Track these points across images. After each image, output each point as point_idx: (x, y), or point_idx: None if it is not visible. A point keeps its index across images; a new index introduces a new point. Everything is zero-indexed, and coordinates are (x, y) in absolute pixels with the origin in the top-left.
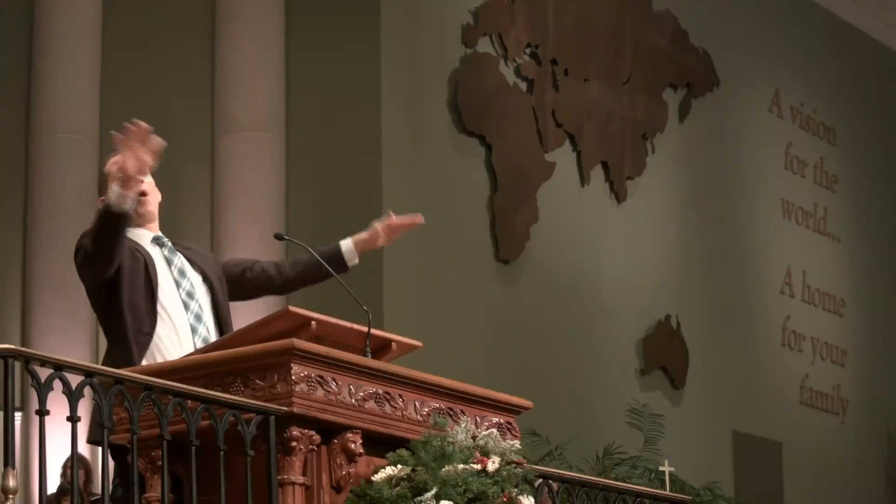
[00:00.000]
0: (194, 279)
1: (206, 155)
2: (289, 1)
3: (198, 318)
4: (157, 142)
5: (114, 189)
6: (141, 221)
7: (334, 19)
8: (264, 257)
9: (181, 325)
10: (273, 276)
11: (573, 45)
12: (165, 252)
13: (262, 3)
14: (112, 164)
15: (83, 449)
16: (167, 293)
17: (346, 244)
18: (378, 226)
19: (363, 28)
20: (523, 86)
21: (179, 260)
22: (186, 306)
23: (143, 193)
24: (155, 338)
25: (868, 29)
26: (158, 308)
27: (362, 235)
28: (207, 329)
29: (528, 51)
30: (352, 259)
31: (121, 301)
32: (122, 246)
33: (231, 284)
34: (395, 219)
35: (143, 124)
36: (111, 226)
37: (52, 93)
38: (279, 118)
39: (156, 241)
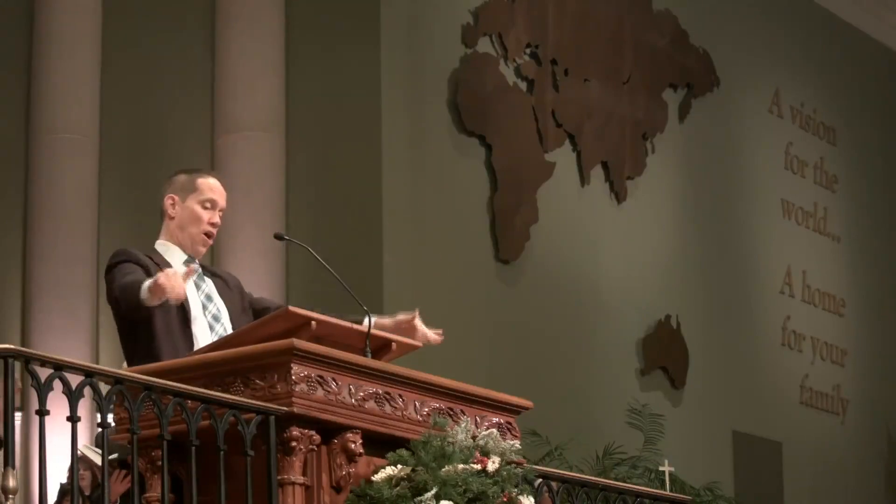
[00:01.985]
0: (220, 304)
1: (206, 155)
2: (289, 1)
3: None
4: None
5: (149, 289)
6: (183, 247)
7: (334, 19)
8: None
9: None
10: None
11: (573, 45)
12: (195, 276)
13: (262, 3)
14: (193, 183)
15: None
16: (196, 316)
17: (372, 322)
18: (402, 317)
19: (363, 28)
20: (523, 86)
21: (207, 285)
22: (212, 328)
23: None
24: None
25: (868, 29)
26: (192, 330)
27: (385, 321)
28: None
29: (528, 51)
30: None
31: (152, 325)
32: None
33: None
34: (418, 322)
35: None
36: (133, 305)
37: (52, 93)
38: (279, 118)
39: (187, 263)
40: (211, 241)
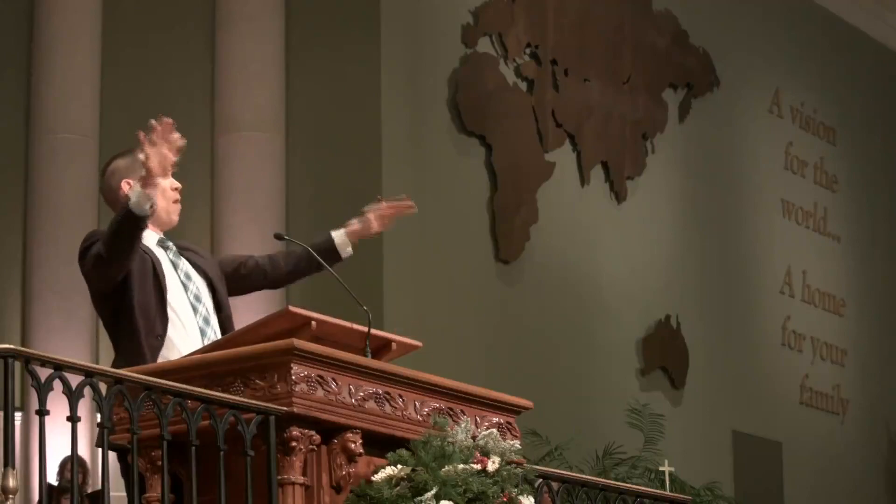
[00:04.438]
0: (199, 283)
1: (206, 155)
2: (289, 1)
3: (206, 321)
4: (179, 139)
5: (136, 190)
6: (159, 224)
7: (334, 19)
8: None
9: (191, 328)
10: (267, 270)
11: (573, 45)
12: (171, 255)
13: (262, 3)
14: (137, 162)
15: (82, 449)
16: (176, 296)
17: (339, 235)
18: (369, 214)
19: (363, 28)
20: (523, 86)
21: (184, 263)
22: (195, 309)
23: (176, 200)
24: (167, 340)
25: (868, 29)
26: (169, 311)
27: (354, 224)
28: (215, 332)
29: (528, 51)
30: (345, 249)
31: (131, 303)
32: (136, 249)
33: (227, 281)
34: (385, 205)
35: (168, 121)
36: (131, 228)
37: (52, 93)
38: (279, 118)
39: (161, 243)
40: (179, 207)
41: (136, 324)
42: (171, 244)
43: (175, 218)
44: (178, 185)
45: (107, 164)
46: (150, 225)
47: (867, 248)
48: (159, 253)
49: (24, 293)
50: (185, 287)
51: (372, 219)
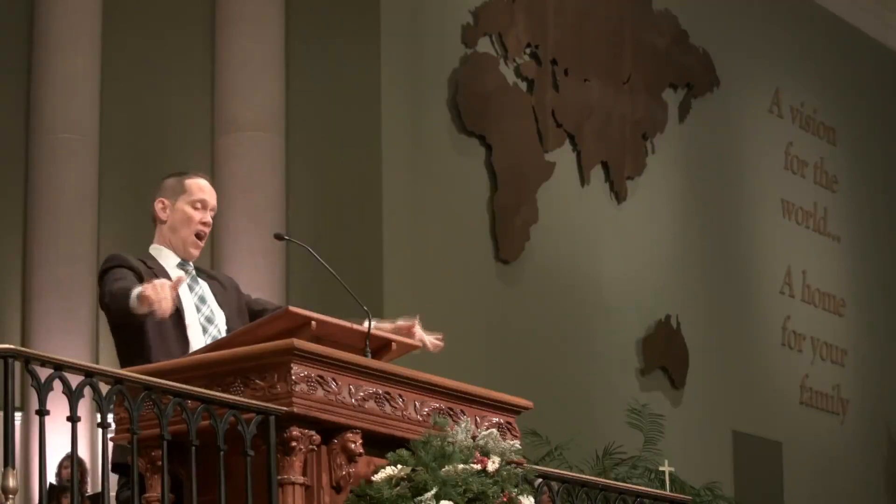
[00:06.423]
0: (214, 306)
1: (206, 155)
2: (289, 1)
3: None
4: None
5: (138, 297)
6: (178, 253)
7: (334, 19)
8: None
9: (199, 347)
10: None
11: (573, 45)
12: (188, 279)
13: (262, 3)
14: (180, 184)
15: (82, 449)
16: (189, 317)
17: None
18: (402, 323)
19: (363, 28)
20: (523, 86)
21: (201, 287)
22: (205, 330)
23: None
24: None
25: (868, 29)
26: (187, 333)
27: (385, 325)
28: None
29: (528, 51)
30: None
31: (145, 330)
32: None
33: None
34: (418, 329)
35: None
36: (120, 311)
37: (52, 93)
38: (279, 118)
39: (181, 266)
40: (202, 243)
41: (152, 350)
42: (190, 267)
43: (194, 252)
44: (209, 220)
45: (164, 177)
46: (170, 248)
47: (867, 248)
48: (177, 275)
49: (24, 293)
50: (198, 309)
51: (400, 330)
